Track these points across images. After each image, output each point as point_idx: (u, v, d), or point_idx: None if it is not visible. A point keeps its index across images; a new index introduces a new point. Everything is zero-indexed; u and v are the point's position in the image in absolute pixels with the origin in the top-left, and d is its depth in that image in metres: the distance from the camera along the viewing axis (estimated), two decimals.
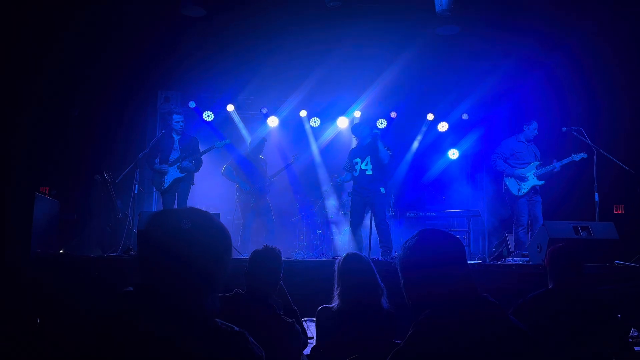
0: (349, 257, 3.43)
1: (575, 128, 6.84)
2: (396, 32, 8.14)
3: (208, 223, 1.53)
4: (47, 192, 7.56)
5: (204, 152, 7.47)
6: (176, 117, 7.27)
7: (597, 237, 5.86)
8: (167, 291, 1.41)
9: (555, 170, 6.98)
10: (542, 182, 7.04)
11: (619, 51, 7.90)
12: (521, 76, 9.03)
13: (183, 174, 7.18)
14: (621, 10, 7.36)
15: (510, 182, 7.13)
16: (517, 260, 6.75)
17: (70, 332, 1.39)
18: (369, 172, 7.08)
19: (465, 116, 10.39)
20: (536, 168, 7.07)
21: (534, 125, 7.20)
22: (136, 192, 6.77)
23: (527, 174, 7.03)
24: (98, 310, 1.39)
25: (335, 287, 3.33)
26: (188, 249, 1.44)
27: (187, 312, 1.40)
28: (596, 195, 6.56)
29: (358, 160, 7.19)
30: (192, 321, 1.39)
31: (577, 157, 6.89)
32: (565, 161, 6.98)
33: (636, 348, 3.47)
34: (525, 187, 7.00)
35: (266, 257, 3.28)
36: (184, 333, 1.36)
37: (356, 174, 7.17)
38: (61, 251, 6.37)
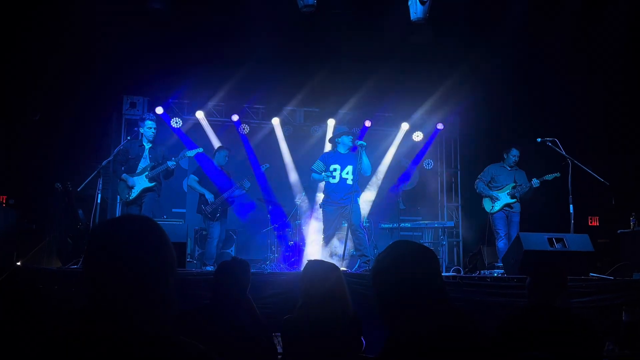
0: (311, 264, 3.38)
1: (550, 139, 7.00)
2: (370, 39, 8.21)
3: (144, 232, 1.47)
4: (4, 201, 7.39)
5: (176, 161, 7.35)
6: (149, 124, 7.11)
7: (572, 249, 5.98)
8: (111, 310, 1.36)
9: (524, 189, 7.64)
10: (513, 201, 7.76)
11: (594, 61, 8.12)
12: (496, 85, 9.18)
13: (152, 184, 7.05)
14: (594, 21, 7.59)
15: (485, 202, 7.97)
16: (492, 272, 6.87)
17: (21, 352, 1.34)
18: (350, 182, 7.04)
19: (440, 125, 10.53)
20: (511, 189, 7.76)
21: (514, 152, 7.87)
22: (99, 201, 6.64)
23: (500, 195, 7.79)
24: (46, 333, 1.34)
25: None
26: (125, 262, 1.40)
27: (135, 330, 1.35)
28: (571, 206, 6.70)
29: (337, 167, 7.07)
30: (141, 340, 1.34)
31: (534, 183, 7.50)
32: (537, 181, 7.47)
33: None
34: (497, 205, 7.78)
35: (234, 269, 3.26)
36: (133, 354, 1.32)
37: (334, 180, 7.04)
38: (18, 263, 6.22)
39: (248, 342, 3.05)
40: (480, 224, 8.91)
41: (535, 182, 7.48)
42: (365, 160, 6.97)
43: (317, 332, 3.08)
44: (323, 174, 7.09)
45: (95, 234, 1.50)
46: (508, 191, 7.74)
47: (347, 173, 7.04)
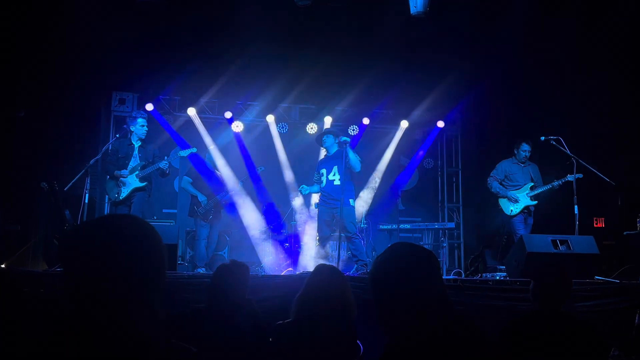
0: (320, 269, 3.41)
1: (554, 137, 7.01)
2: (369, 33, 8.20)
3: (133, 232, 1.45)
4: None
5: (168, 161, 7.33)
6: (141, 122, 7.10)
7: (577, 252, 5.98)
8: (98, 315, 1.35)
9: (545, 190, 7.49)
10: (534, 202, 7.55)
11: (600, 58, 8.13)
12: (498, 83, 9.18)
13: (143, 184, 7.03)
14: (600, 17, 7.60)
15: (503, 203, 7.70)
16: (495, 275, 6.87)
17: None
18: (337, 183, 7.15)
19: (440, 123, 10.52)
20: (530, 189, 7.57)
21: (524, 147, 7.67)
22: (86, 201, 6.62)
23: (519, 196, 7.57)
24: (35, 339, 1.34)
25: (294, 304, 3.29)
26: (112, 263, 1.38)
27: (124, 335, 1.34)
28: (576, 207, 6.71)
29: (324, 171, 7.31)
30: (131, 345, 1.33)
31: (555, 185, 7.42)
32: (558, 182, 7.38)
33: None
34: (517, 208, 7.56)
35: (234, 272, 3.25)
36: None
37: (323, 185, 7.29)
38: (3, 265, 6.20)
39: (246, 346, 3.04)
40: (482, 225, 8.92)
41: (556, 183, 7.37)
42: (351, 156, 7.07)
43: (314, 337, 3.09)
44: (314, 185, 7.47)
45: (80, 233, 1.48)
46: (527, 192, 7.56)
47: (334, 174, 7.23)
